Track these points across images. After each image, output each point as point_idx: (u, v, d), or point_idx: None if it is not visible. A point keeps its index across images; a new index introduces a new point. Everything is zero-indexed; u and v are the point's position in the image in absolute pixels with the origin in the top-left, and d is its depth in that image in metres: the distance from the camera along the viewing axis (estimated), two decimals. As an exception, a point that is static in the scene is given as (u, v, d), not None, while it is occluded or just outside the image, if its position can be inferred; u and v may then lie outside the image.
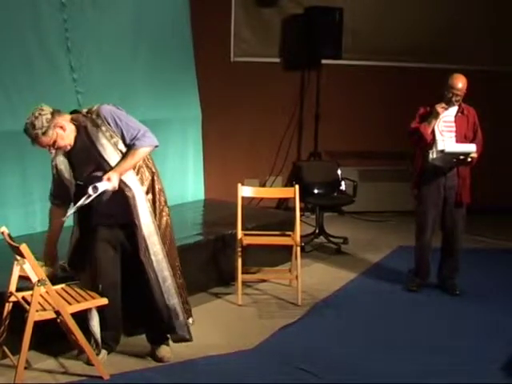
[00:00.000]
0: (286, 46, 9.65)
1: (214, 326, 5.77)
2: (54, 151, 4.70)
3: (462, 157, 6.29)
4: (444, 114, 6.38)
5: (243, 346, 5.32)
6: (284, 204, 9.02)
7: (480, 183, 9.71)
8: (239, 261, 6.25)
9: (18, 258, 4.57)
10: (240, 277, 6.27)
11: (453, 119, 6.41)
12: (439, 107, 6.29)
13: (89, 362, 4.79)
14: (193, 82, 8.34)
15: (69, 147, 4.68)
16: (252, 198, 7.90)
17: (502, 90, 9.96)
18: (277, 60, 9.67)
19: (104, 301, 4.74)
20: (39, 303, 4.53)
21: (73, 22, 6.73)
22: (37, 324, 4.44)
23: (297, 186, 6.65)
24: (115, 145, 4.69)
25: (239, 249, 6.26)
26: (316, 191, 8.44)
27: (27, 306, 4.45)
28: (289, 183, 8.88)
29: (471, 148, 6.29)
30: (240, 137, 9.44)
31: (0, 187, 6.13)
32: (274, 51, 9.65)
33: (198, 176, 8.48)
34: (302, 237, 6.58)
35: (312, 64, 9.44)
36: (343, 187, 8.51)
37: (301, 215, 6.85)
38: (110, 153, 4.67)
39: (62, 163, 4.76)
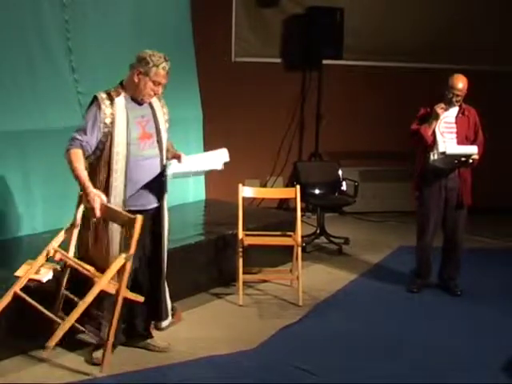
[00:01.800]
0: (287, 46, 9.65)
1: (215, 326, 5.77)
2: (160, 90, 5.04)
3: (463, 158, 6.29)
4: (445, 115, 6.38)
5: (244, 347, 5.32)
6: (285, 204, 9.02)
7: (480, 183, 9.73)
8: (240, 261, 6.26)
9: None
10: (241, 277, 6.28)
11: (454, 120, 6.41)
12: (438, 108, 6.29)
13: (93, 361, 4.82)
14: (194, 82, 8.33)
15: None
16: (253, 199, 7.90)
17: (504, 89, 9.95)
18: (278, 60, 9.67)
19: (141, 298, 4.86)
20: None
21: (74, 22, 6.72)
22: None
23: (298, 187, 6.66)
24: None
25: (240, 249, 6.26)
26: (317, 191, 8.44)
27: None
28: (290, 183, 8.87)
29: (473, 150, 6.29)
30: (241, 137, 9.43)
31: (1, 187, 6.12)
32: (275, 51, 9.66)
33: (199, 176, 8.47)
34: (302, 237, 6.58)
35: (313, 64, 9.45)
36: (344, 187, 8.51)
37: (302, 215, 6.85)
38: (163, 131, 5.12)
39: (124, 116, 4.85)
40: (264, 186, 9.51)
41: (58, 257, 4.78)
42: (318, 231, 8.45)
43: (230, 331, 5.70)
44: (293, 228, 6.53)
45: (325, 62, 9.32)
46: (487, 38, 9.90)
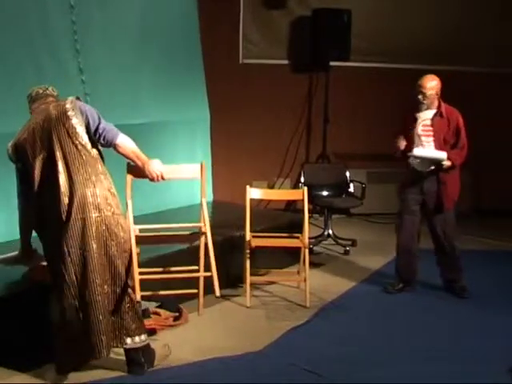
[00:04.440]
0: (294, 47, 9.66)
1: (223, 328, 5.77)
2: None
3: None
4: (423, 118, 6.36)
5: (251, 348, 5.32)
6: (292, 206, 9.01)
7: (485, 185, 9.75)
8: (247, 263, 6.26)
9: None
10: (248, 278, 6.27)
11: (430, 122, 6.35)
12: (399, 142, 6.37)
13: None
14: (201, 84, 8.34)
15: None
16: (260, 200, 7.90)
17: (509, 91, 9.95)
18: (285, 62, 9.68)
19: None
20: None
21: (81, 23, 6.73)
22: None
23: (305, 188, 6.64)
24: None
25: (247, 251, 6.25)
26: (324, 193, 8.44)
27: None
28: (297, 185, 8.86)
29: (441, 155, 6.23)
30: (248, 139, 9.44)
31: (3, 188, 6.10)
32: (282, 53, 9.67)
33: (206, 178, 8.47)
34: (310, 239, 6.57)
35: (320, 66, 9.44)
36: (351, 189, 8.51)
37: (309, 217, 6.84)
38: None
39: None
40: (271, 187, 9.51)
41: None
42: (326, 233, 8.46)
43: (237, 333, 5.69)
44: (300, 230, 6.52)
45: (332, 63, 9.31)
46: (495, 39, 9.89)
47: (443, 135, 6.31)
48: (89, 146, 4.64)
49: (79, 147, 4.58)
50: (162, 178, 4.91)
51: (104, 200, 4.60)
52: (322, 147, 9.62)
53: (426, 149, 6.31)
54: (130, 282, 4.76)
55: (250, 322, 5.93)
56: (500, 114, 9.90)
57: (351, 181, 8.55)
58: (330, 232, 8.44)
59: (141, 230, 5.47)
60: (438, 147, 6.29)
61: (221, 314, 6.10)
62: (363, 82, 9.62)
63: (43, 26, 6.44)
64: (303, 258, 6.43)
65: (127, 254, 4.76)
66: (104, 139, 4.69)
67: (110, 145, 4.73)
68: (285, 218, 7.88)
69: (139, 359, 4.79)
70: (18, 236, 5.11)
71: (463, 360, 5.18)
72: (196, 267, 5.86)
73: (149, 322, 5.53)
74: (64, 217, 4.52)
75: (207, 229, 5.62)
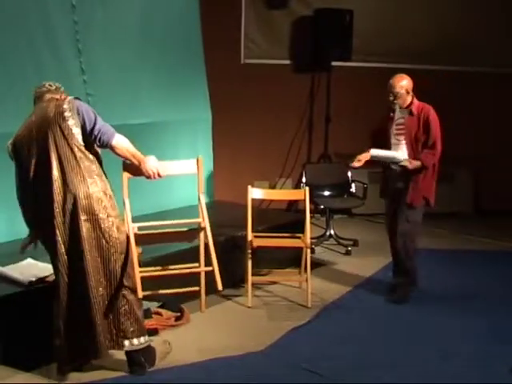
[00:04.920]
0: (296, 47, 9.66)
1: (224, 328, 5.77)
2: None
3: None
4: (397, 117, 6.40)
5: (253, 348, 5.32)
6: (294, 206, 9.01)
7: (485, 185, 9.75)
8: (249, 263, 6.25)
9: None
10: (250, 279, 6.27)
11: (402, 121, 6.36)
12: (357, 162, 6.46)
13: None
14: (203, 84, 8.34)
15: None
16: (262, 200, 7.89)
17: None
18: (287, 62, 9.68)
19: None
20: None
21: (83, 23, 6.73)
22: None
23: (307, 188, 6.64)
24: None
25: (249, 251, 6.25)
26: (326, 193, 8.44)
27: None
28: (299, 185, 8.85)
29: (398, 155, 6.26)
30: (250, 139, 9.45)
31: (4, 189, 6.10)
32: (284, 53, 9.67)
33: (208, 178, 8.47)
34: (311, 239, 6.56)
35: (322, 66, 9.43)
36: (353, 189, 8.51)
37: (311, 217, 6.83)
38: None
39: None
40: (273, 187, 9.51)
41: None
42: (327, 233, 8.46)
43: (238, 333, 5.69)
44: (302, 230, 6.51)
45: (334, 63, 9.31)
46: (499, 39, 9.89)
47: (414, 133, 6.29)
48: (84, 147, 4.61)
49: (74, 149, 4.54)
50: (159, 176, 4.88)
51: (98, 202, 4.55)
52: (324, 147, 9.61)
53: (381, 150, 6.36)
54: (127, 283, 4.70)
55: (251, 322, 5.93)
56: (501, 115, 9.90)
57: (353, 181, 8.55)
58: (332, 232, 8.44)
59: (139, 228, 5.45)
60: (410, 146, 6.28)
61: (222, 314, 6.10)
62: (365, 82, 9.60)
63: (45, 26, 6.44)
64: (305, 258, 6.43)
65: (123, 255, 4.70)
66: (100, 141, 4.63)
67: (106, 146, 4.68)
68: (286, 218, 7.87)
69: (140, 359, 4.78)
70: (19, 236, 5.11)
71: (464, 360, 5.18)
72: (197, 264, 5.86)
73: (150, 322, 5.54)
74: (56, 217, 4.50)
75: (206, 223, 5.62)
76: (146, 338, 4.82)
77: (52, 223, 4.51)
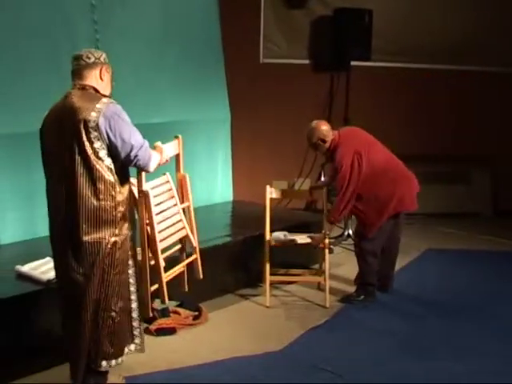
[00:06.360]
0: (315, 47, 9.65)
1: (242, 327, 5.79)
2: None
3: None
4: None
5: (270, 348, 5.32)
6: (312, 206, 8.99)
7: (504, 186, 9.69)
8: (267, 262, 6.25)
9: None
10: (268, 278, 6.27)
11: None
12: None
13: None
14: (222, 84, 8.35)
15: None
16: (281, 200, 7.88)
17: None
18: (306, 61, 9.66)
19: None
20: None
21: (103, 23, 6.76)
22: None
23: (324, 188, 6.64)
24: None
25: (267, 250, 6.25)
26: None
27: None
28: (317, 185, 8.85)
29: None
30: (268, 138, 9.45)
31: (23, 188, 6.12)
32: (303, 53, 9.65)
33: (227, 177, 8.49)
34: (329, 239, 6.55)
35: (341, 65, 9.41)
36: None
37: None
38: None
39: None
40: (291, 187, 9.50)
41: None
42: (345, 233, 8.45)
43: (256, 332, 5.70)
44: (320, 229, 6.51)
45: (353, 63, 9.28)
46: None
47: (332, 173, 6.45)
48: (105, 165, 4.20)
49: (94, 168, 4.15)
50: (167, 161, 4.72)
51: (101, 222, 4.19)
52: (343, 147, 9.58)
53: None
54: (115, 306, 4.36)
55: (269, 322, 5.94)
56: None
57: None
58: (350, 232, 8.42)
59: None
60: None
61: (240, 314, 6.11)
62: (384, 82, 9.59)
63: (64, 26, 6.46)
64: (323, 258, 6.42)
65: (118, 275, 4.33)
66: (135, 165, 4.34)
67: (141, 170, 4.47)
68: (305, 218, 7.88)
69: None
70: (36, 235, 5.10)
71: (485, 361, 5.16)
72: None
73: (168, 321, 5.56)
74: (54, 232, 4.31)
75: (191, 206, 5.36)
76: (122, 359, 4.48)
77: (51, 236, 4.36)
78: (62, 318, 4.41)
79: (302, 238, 6.38)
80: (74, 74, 4.38)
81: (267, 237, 6.29)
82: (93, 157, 4.13)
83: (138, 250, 4.61)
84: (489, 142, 9.78)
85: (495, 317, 6.08)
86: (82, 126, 4.12)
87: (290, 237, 6.38)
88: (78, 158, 4.13)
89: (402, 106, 9.73)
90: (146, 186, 4.64)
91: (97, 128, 4.12)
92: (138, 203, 4.63)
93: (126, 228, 4.35)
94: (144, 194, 4.61)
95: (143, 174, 4.54)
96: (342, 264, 7.49)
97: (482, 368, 5.03)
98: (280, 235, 6.38)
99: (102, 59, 4.43)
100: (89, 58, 4.37)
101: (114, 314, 4.34)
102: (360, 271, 6.48)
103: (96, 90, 4.36)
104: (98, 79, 4.40)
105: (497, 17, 9.78)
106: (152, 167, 4.42)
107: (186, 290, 5.20)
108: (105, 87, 4.44)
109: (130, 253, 4.42)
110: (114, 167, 4.25)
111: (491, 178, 10.09)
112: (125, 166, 4.33)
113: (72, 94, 4.29)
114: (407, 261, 7.56)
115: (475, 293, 6.69)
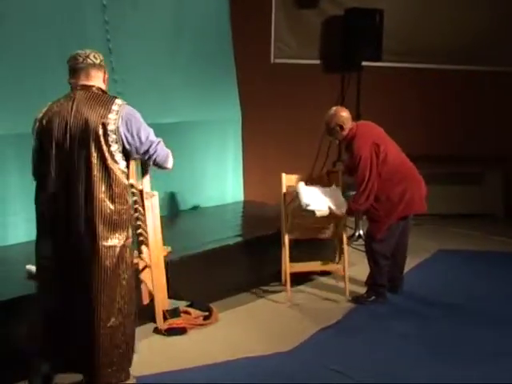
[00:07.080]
0: (326, 47, 9.63)
1: (253, 327, 5.78)
2: None
3: None
4: None
5: (282, 348, 5.31)
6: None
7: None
8: (286, 255, 6.28)
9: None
10: (288, 271, 6.31)
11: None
12: None
13: None
14: (233, 84, 8.36)
15: None
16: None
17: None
18: (317, 62, 9.65)
19: None
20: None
21: (114, 23, 6.77)
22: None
23: (340, 172, 6.69)
24: None
25: (287, 242, 6.26)
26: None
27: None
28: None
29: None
30: (280, 138, 9.43)
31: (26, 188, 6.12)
32: (314, 53, 9.64)
33: (238, 177, 8.50)
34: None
35: (352, 66, 9.39)
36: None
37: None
38: None
39: None
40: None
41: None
42: (357, 233, 8.43)
43: (268, 332, 5.69)
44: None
45: (364, 63, 9.27)
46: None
47: (348, 163, 6.47)
48: (119, 169, 4.19)
49: (111, 171, 4.14)
50: None
51: (108, 228, 4.15)
52: (354, 147, 9.58)
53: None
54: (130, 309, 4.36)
55: (280, 321, 5.93)
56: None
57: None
58: (361, 232, 8.39)
59: None
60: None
61: (251, 313, 6.10)
62: (395, 82, 9.57)
63: (76, 25, 6.49)
64: (339, 254, 6.49)
65: (130, 278, 4.34)
66: (154, 162, 4.38)
67: (159, 167, 4.48)
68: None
69: None
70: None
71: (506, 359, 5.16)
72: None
73: (179, 321, 5.56)
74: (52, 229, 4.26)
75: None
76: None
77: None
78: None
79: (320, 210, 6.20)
80: (78, 72, 4.31)
81: (284, 231, 6.29)
82: (109, 160, 4.12)
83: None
84: (501, 142, 9.75)
85: (509, 319, 6.05)
86: (100, 129, 4.08)
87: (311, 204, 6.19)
88: (95, 161, 4.09)
89: (414, 106, 9.70)
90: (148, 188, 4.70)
91: (116, 131, 4.11)
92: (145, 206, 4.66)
93: (131, 231, 4.37)
94: (150, 196, 4.65)
95: (147, 176, 4.57)
96: (353, 264, 7.45)
97: (494, 373, 4.98)
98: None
99: (103, 63, 4.44)
100: (96, 58, 4.38)
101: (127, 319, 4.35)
102: (371, 272, 6.47)
103: (103, 91, 4.35)
104: (103, 81, 4.41)
105: (508, 17, 9.76)
106: (170, 163, 4.45)
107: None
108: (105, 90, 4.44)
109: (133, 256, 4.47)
110: (127, 170, 4.27)
111: (503, 179, 10.05)
112: (143, 165, 4.36)
113: (77, 95, 4.24)
114: (418, 261, 7.54)
115: (488, 294, 6.66)
